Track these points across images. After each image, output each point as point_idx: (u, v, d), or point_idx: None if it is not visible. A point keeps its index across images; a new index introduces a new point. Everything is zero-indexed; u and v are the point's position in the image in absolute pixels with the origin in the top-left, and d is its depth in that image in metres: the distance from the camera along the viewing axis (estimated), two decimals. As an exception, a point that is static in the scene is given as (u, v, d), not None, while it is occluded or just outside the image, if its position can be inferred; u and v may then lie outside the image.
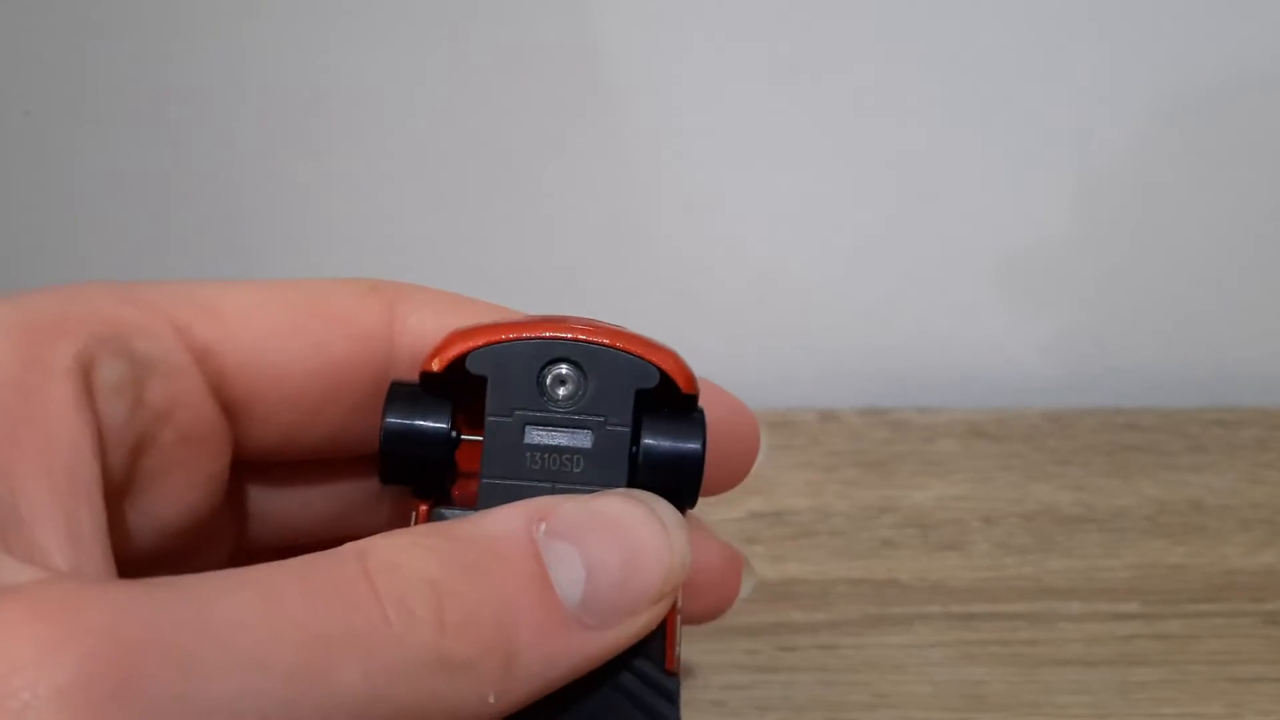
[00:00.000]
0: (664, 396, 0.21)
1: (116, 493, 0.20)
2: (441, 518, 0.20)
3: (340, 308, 0.22)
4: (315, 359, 0.21)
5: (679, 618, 0.21)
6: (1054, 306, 0.43)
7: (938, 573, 0.35)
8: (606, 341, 0.21)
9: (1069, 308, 0.43)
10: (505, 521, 0.18)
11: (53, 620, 0.15)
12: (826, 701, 0.30)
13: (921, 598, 0.34)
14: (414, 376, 0.21)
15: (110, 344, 0.19)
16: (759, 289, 0.43)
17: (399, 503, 0.23)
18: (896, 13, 0.39)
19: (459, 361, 0.20)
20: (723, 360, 0.44)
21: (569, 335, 0.20)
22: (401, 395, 0.21)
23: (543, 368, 0.20)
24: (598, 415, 0.20)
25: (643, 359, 0.21)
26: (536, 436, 0.20)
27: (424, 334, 0.22)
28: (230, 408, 0.21)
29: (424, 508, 0.21)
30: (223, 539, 0.23)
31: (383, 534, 0.18)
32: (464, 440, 0.21)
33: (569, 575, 0.18)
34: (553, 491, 0.20)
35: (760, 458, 0.25)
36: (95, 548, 0.18)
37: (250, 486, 0.24)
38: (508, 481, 0.20)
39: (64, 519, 0.17)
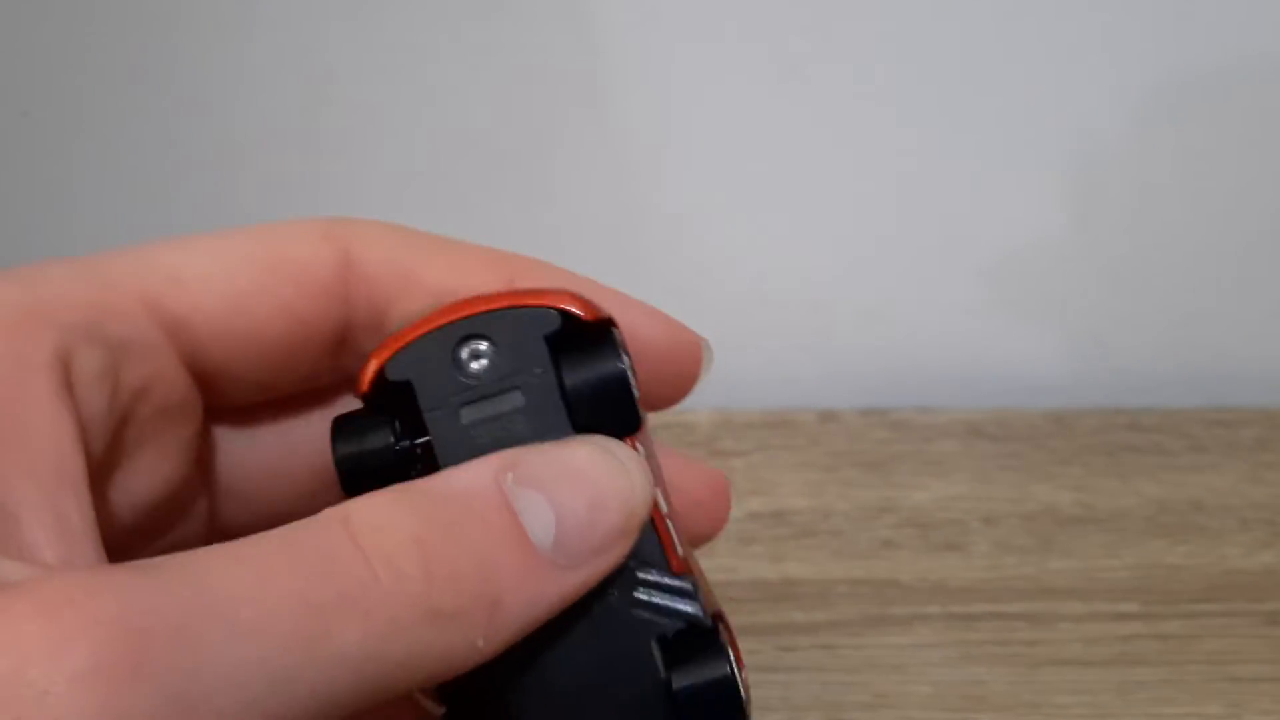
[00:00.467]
0: (577, 334, 0.21)
1: (98, 477, 0.20)
2: None
3: (299, 264, 0.22)
4: (281, 319, 0.21)
5: (669, 522, 0.21)
6: (1054, 307, 0.43)
7: (938, 573, 0.35)
8: (500, 305, 0.21)
9: (1069, 308, 0.44)
10: (475, 475, 0.19)
11: (61, 612, 0.15)
12: (826, 701, 0.30)
13: (921, 598, 0.34)
14: (368, 339, 0.22)
15: (85, 332, 0.19)
16: (759, 289, 0.43)
17: None
18: (896, 14, 0.39)
19: (381, 378, 0.21)
20: (723, 360, 0.44)
21: (463, 314, 0.21)
22: (343, 427, 0.21)
23: (453, 352, 0.21)
24: (520, 373, 0.21)
25: (537, 307, 0.21)
26: (473, 414, 0.21)
27: (379, 276, 0.22)
28: (201, 376, 0.21)
29: None
30: (196, 513, 0.23)
31: (359, 498, 0.18)
32: (418, 443, 0.21)
33: (540, 521, 0.19)
34: None
35: (704, 372, 0.25)
36: (85, 541, 0.18)
37: (219, 459, 0.24)
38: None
39: (52, 515, 0.18)
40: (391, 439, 0.21)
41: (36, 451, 0.18)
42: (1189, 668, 0.32)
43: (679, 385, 0.25)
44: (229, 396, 0.22)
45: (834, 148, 0.41)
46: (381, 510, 0.18)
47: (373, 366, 0.21)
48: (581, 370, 0.21)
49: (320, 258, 0.22)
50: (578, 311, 0.21)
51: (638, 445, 0.21)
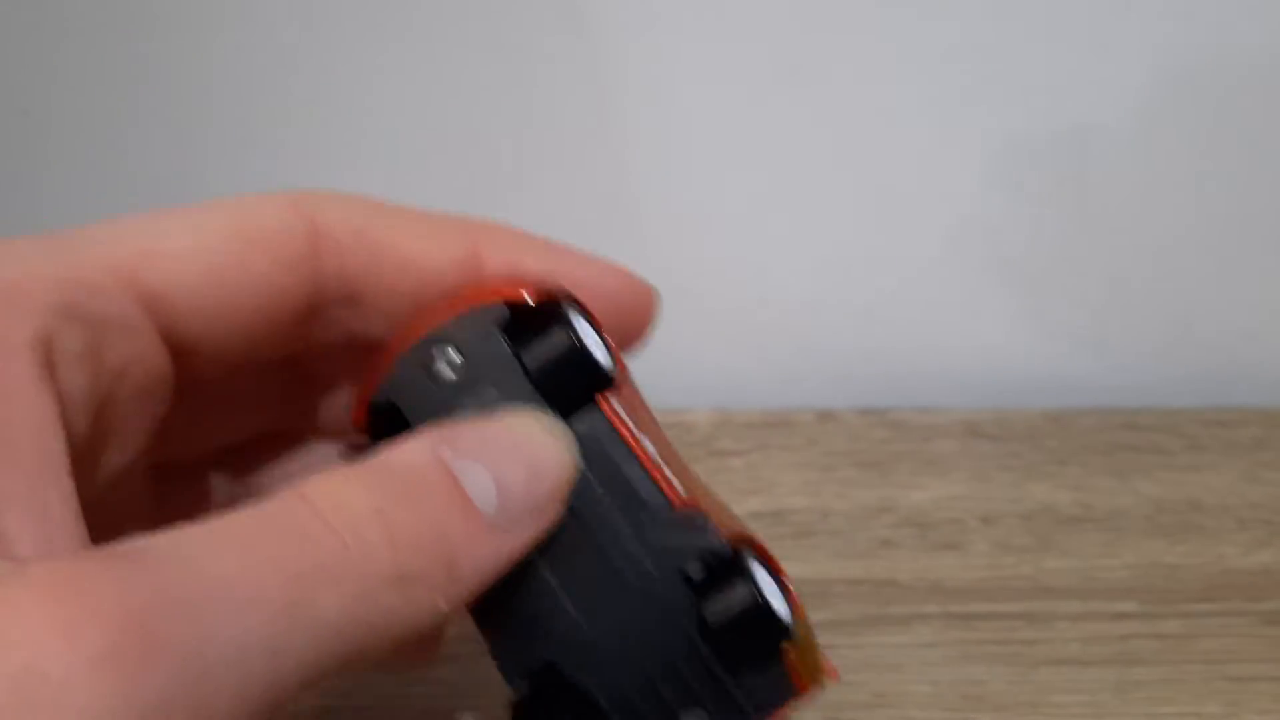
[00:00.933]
0: (528, 317, 0.22)
1: (78, 458, 0.20)
2: None
3: (271, 235, 0.22)
4: (256, 291, 0.22)
5: (662, 465, 0.22)
6: (1052, 307, 0.44)
7: (936, 572, 0.35)
8: (454, 311, 0.22)
9: (1067, 308, 0.44)
10: (415, 452, 0.20)
11: (66, 601, 0.15)
12: (825, 701, 0.30)
13: (920, 597, 0.34)
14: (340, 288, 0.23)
15: (65, 310, 0.19)
16: (758, 289, 0.43)
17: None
18: (893, 15, 0.39)
19: (372, 411, 0.22)
20: (723, 360, 0.44)
21: (424, 330, 0.22)
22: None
23: (426, 368, 0.22)
24: (488, 368, 0.22)
25: (486, 304, 0.22)
26: (460, 414, 0.22)
27: (348, 246, 0.23)
28: (178, 350, 0.22)
29: None
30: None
31: (313, 477, 0.19)
32: None
33: (481, 488, 0.20)
34: None
35: (655, 318, 0.26)
36: (65, 528, 0.18)
37: (177, 410, 0.24)
38: None
39: (32, 503, 0.18)
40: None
41: (17, 438, 0.18)
42: (1187, 667, 0.32)
43: (636, 330, 0.25)
44: (200, 370, 0.22)
45: (833, 148, 0.41)
46: (338, 487, 0.19)
47: (361, 403, 0.23)
48: (536, 352, 0.22)
49: (291, 229, 0.22)
50: (525, 297, 0.22)
51: (612, 400, 0.22)
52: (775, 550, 0.36)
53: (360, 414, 0.23)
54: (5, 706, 0.15)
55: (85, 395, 0.20)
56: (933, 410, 0.41)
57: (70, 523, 0.18)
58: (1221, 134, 0.41)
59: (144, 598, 0.16)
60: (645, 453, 0.22)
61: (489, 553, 0.20)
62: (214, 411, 0.25)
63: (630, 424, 0.22)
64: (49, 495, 0.18)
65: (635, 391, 0.23)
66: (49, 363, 0.19)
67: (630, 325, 0.25)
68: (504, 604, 0.22)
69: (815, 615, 0.33)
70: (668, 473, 0.22)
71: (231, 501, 0.26)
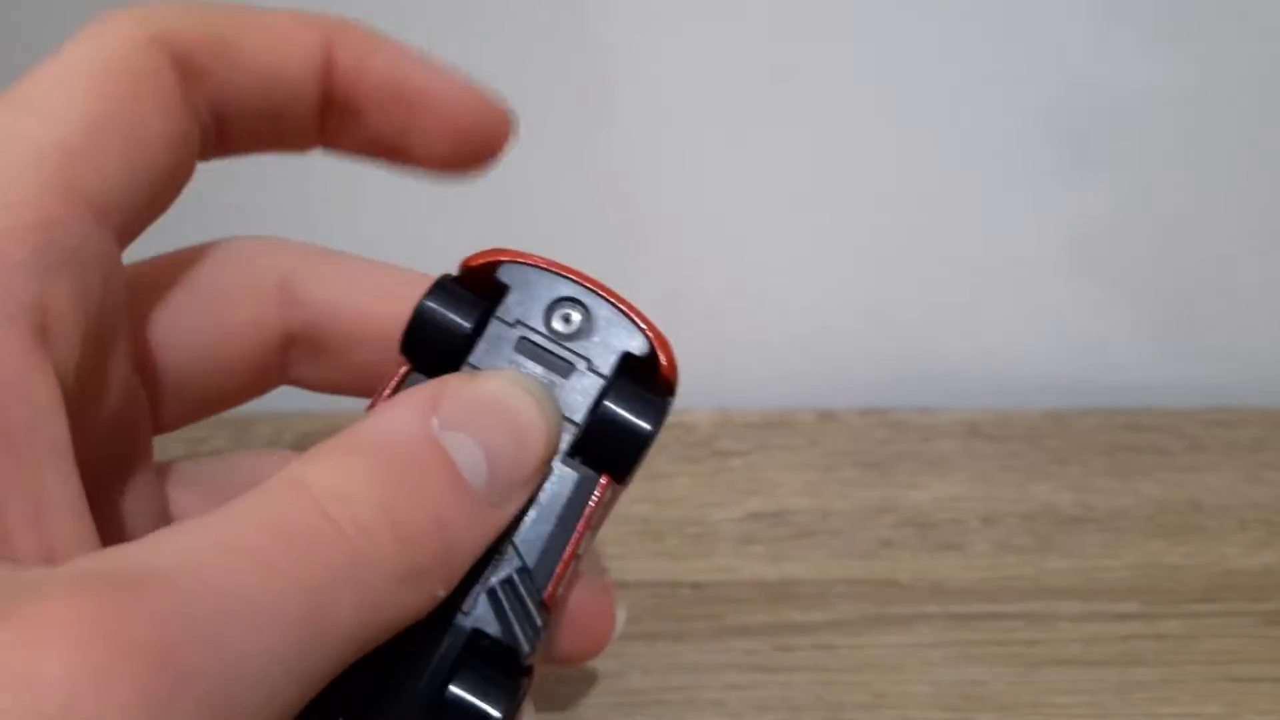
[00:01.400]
0: (645, 371, 0.23)
1: (74, 417, 0.19)
2: (413, 383, 0.22)
3: (155, 86, 0.21)
4: (166, 151, 0.21)
5: (576, 562, 0.22)
6: (1053, 307, 0.44)
7: (937, 573, 0.35)
8: (616, 302, 0.23)
9: (1068, 308, 0.44)
10: (405, 424, 0.20)
11: (95, 644, 0.15)
12: (825, 701, 0.30)
13: (921, 598, 0.34)
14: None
15: (47, 259, 0.18)
16: (758, 289, 0.43)
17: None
18: (895, 15, 0.39)
19: (490, 268, 0.23)
20: (723, 360, 0.44)
21: (586, 283, 0.23)
22: (445, 288, 0.23)
23: (556, 300, 0.23)
24: (583, 358, 0.23)
25: (642, 330, 0.23)
26: (523, 353, 0.23)
27: (204, 70, 0.21)
28: (123, 239, 0.21)
29: (404, 369, 0.22)
30: (142, 416, 0.23)
31: (306, 459, 0.19)
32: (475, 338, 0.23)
33: (471, 462, 0.20)
34: None
35: (506, 144, 0.26)
36: (66, 519, 0.18)
37: (157, 358, 0.23)
38: None
39: (30, 495, 0.17)
40: (470, 326, 0.22)
41: (12, 426, 0.17)
42: (1188, 667, 0.32)
43: (486, 150, 0.25)
44: (125, 246, 0.21)
45: (834, 148, 0.41)
46: (339, 477, 0.18)
47: (491, 257, 0.23)
48: (624, 405, 0.22)
49: (161, 66, 0.21)
50: (661, 358, 0.23)
51: (607, 487, 0.22)
52: (776, 550, 0.36)
53: (478, 261, 0.23)
54: None
55: (78, 352, 0.19)
56: (934, 410, 0.41)
57: (69, 512, 0.18)
58: (1221, 133, 0.41)
59: (172, 634, 0.15)
60: (578, 541, 0.22)
61: (480, 532, 0.20)
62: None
63: (595, 514, 0.22)
64: (46, 481, 0.18)
65: (619, 492, 0.23)
66: (42, 329, 0.18)
67: (479, 146, 0.25)
68: None
69: (816, 615, 0.33)
70: (569, 571, 0.22)
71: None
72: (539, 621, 0.21)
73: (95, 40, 0.20)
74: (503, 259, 0.23)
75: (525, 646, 0.21)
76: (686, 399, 0.41)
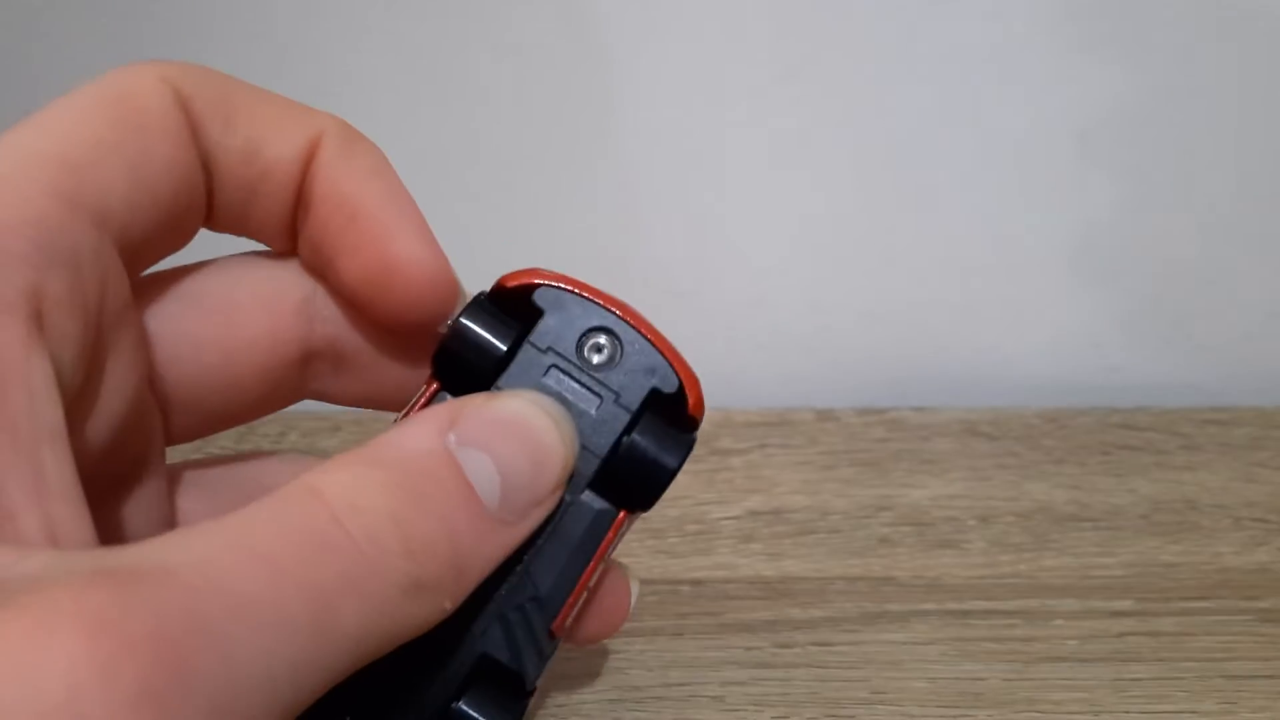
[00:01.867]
0: (672, 407, 0.23)
1: (74, 411, 0.19)
2: (442, 399, 0.22)
3: (160, 117, 0.21)
4: (169, 176, 0.21)
5: (585, 594, 0.23)
6: (1050, 307, 0.44)
7: (934, 570, 0.35)
8: (649, 336, 0.23)
9: (1065, 308, 0.44)
10: (422, 439, 0.20)
11: (101, 635, 0.15)
12: (824, 697, 0.31)
13: (918, 595, 0.34)
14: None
15: (47, 254, 0.19)
16: (758, 289, 0.44)
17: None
18: (893, 16, 0.39)
19: (526, 289, 0.23)
20: (723, 360, 0.44)
21: (621, 313, 0.23)
22: (481, 308, 0.23)
23: (590, 329, 0.23)
24: (611, 390, 0.23)
25: (672, 366, 0.23)
26: (553, 380, 0.23)
27: (204, 120, 0.22)
28: (127, 262, 0.21)
29: (433, 387, 0.23)
30: (153, 427, 0.23)
31: (323, 469, 0.19)
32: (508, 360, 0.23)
33: (486, 479, 0.20)
34: None
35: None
36: (65, 502, 0.18)
37: (167, 371, 0.24)
38: None
39: (30, 475, 0.17)
40: (505, 349, 0.22)
41: (9, 408, 0.17)
42: (1183, 665, 0.32)
43: (433, 314, 0.24)
44: (137, 269, 0.22)
45: (833, 149, 0.41)
46: (354, 488, 0.19)
47: (527, 279, 0.23)
48: (650, 441, 0.22)
49: (167, 101, 0.21)
50: (689, 396, 0.23)
51: (625, 521, 0.22)
52: (775, 548, 0.36)
53: (515, 282, 0.23)
54: None
55: (77, 344, 0.19)
56: (931, 410, 0.41)
57: (67, 492, 0.18)
58: (1219, 134, 0.41)
59: (177, 629, 0.15)
60: (590, 573, 0.22)
61: (492, 550, 0.20)
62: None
63: (612, 548, 0.23)
64: (45, 464, 0.18)
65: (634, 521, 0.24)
66: (38, 314, 0.18)
67: (410, 295, 0.23)
68: None
69: (815, 612, 0.33)
70: (578, 603, 0.22)
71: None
72: (546, 650, 0.22)
73: (110, 77, 0.21)
74: (539, 281, 0.23)
75: (531, 672, 0.22)
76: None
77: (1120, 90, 0.40)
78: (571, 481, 0.22)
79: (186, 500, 0.25)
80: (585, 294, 0.23)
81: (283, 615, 0.17)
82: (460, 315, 0.22)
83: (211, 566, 0.16)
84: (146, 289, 0.23)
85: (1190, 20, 0.39)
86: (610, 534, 0.22)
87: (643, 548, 0.35)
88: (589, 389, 0.23)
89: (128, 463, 0.23)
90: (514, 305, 0.23)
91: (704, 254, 0.43)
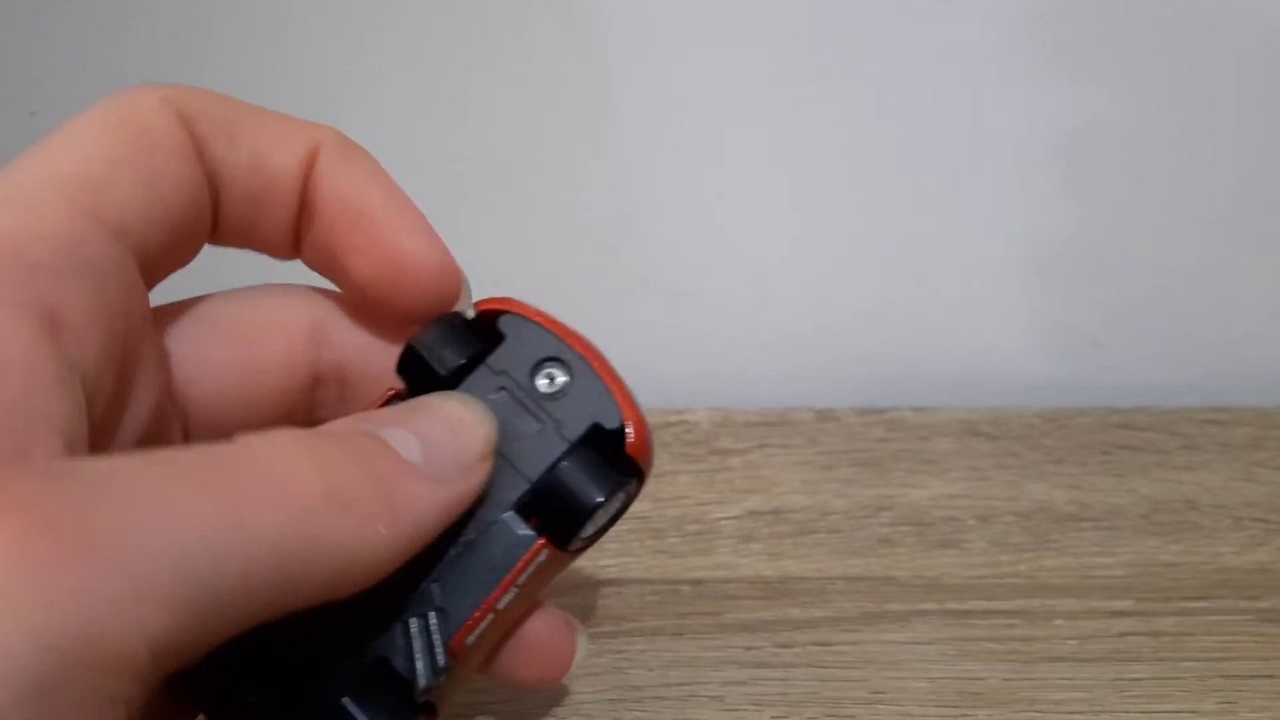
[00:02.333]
0: (612, 446, 0.23)
1: (106, 418, 0.20)
2: (395, 401, 0.23)
3: (167, 137, 0.22)
4: (178, 192, 0.22)
5: (490, 617, 0.23)
6: (1050, 307, 0.44)
7: (934, 570, 0.35)
8: (602, 375, 0.23)
9: (1065, 308, 0.44)
10: (346, 424, 0.21)
11: (12, 513, 0.16)
12: (824, 697, 0.31)
13: (918, 595, 0.34)
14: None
15: (68, 268, 0.19)
16: (758, 289, 0.44)
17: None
18: (891, 17, 0.39)
19: (494, 316, 0.24)
20: (723, 360, 0.44)
21: (577, 347, 0.24)
22: (448, 323, 0.24)
23: (544, 359, 0.24)
24: (554, 419, 0.23)
25: (618, 405, 0.23)
26: (499, 399, 0.23)
27: (208, 139, 0.23)
28: (144, 272, 0.22)
29: (390, 391, 0.24)
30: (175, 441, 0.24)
31: (261, 433, 0.20)
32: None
33: (409, 448, 0.21)
34: None
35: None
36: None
37: (189, 392, 0.24)
38: None
39: (7, 461, 0.18)
40: (453, 366, 0.23)
41: (4, 398, 0.18)
42: (1183, 665, 0.32)
43: (427, 299, 0.25)
44: (151, 284, 0.23)
45: (834, 148, 0.41)
46: (281, 440, 0.20)
47: (497, 306, 0.24)
48: (577, 471, 0.23)
49: (171, 120, 0.22)
50: (630, 436, 0.23)
51: (541, 554, 0.23)
52: (775, 548, 0.36)
53: (486, 306, 0.24)
54: None
55: (98, 352, 0.20)
56: (931, 410, 0.41)
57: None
58: (1218, 134, 0.41)
59: (79, 500, 0.16)
60: (497, 596, 0.23)
61: (425, 493, 0.21)
62: None
63: (524, 574, 0.23)
64: (33, 459, 0.18)
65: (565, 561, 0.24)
66: (54, 322, 0.19)
67: (419, 292, 0.24)
68: None
69: (815, 612, 0.33)
70: (481, 628, 0.23)
71: None
72: (440, 663, 0.22)
73: (115, 100, 0.22)
74: (506, 310, 0.24)
75: (422, 682, 0.22)
76: (686, 398, 0.42)
77: (1120, 90, 0.40)
78: (496, 500, 0.23)
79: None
80: (547, 326, 0.24)
81: (192, 512, 0.17)
82: (421, 330, 0.23)
83: (120, 468, 0.17)
84: (163, 315, 0.24)
85: (1191, 20, 0.39)
86: (525, 559, 0.23)
87: (643, 548, 0.35)
88: (532, 414, 0.23)
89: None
90: (483, 329, 0.24)
91: (704, 254, 0.43)
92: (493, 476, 0.22)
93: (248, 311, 0.25)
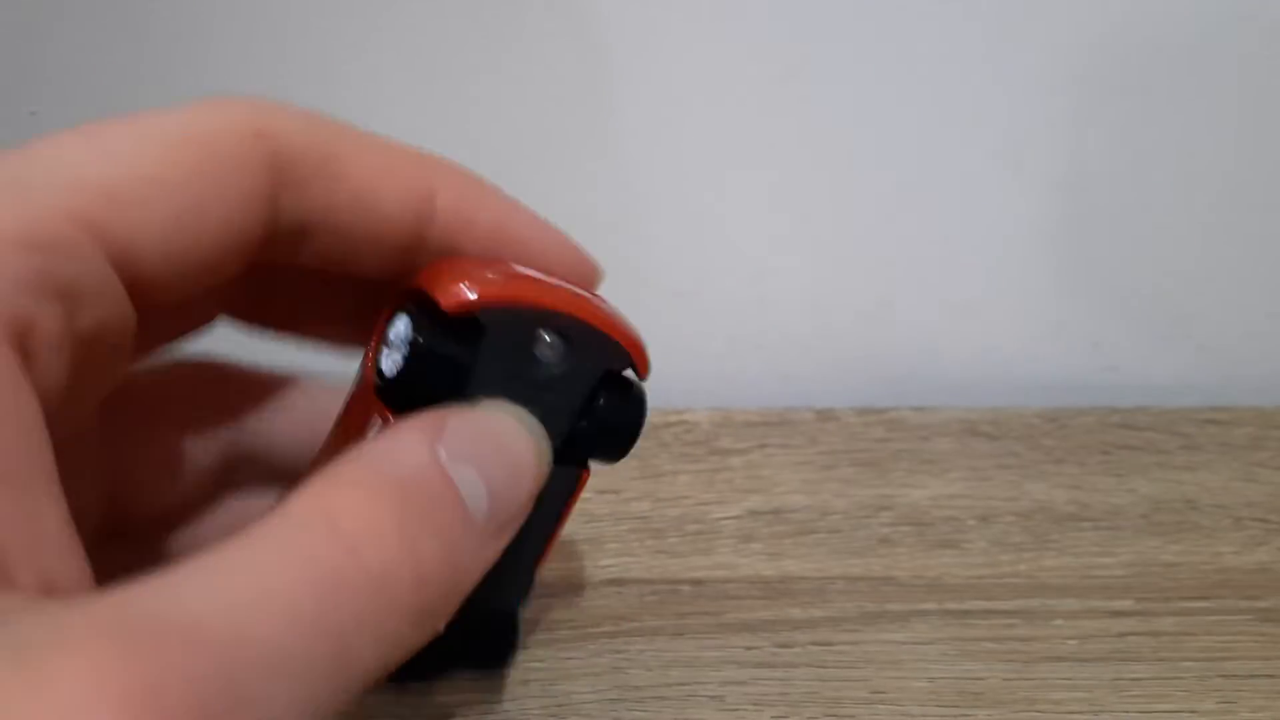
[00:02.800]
0: (622, 376, 0.24)
1: (62, 450, 0.18)
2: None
3: (233, 168, 0.20)
4: (219, 232, 0.20)
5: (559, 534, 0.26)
6: (1050, 306, 0.44)
7: (934, 570, 0.35)
8: (591, 321, 0.23)
9: (1065, 308, 0.44)
10: (416, 453, 0.20)
11: (133, 703, 0.14)
12: (824, 697, 0.31)
13: (918, 595, 0.34)
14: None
15: (42, 285, 0.18)
16: (758, 289, 0.44)
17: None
18: (889, 17, 0.39)
19: (472, 313, 0.22)
20: (723, 360, 0.44)
21: (560, 309, 0.23)
22: (432, 334, 0.22)
23: (534, 332, 0.23)
24: (566, 377, 0.23)
25: (618, 342, 0.24)
26: (510, 386, 0.23)
27: (309, 180, 0.21)
28: (138, 299, 0.20)
29: (391, 419, 0.22)
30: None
31: (333, 487, 0.19)
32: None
33: (474, 495, 0.20)
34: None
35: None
36: (61, 550, 0.17)
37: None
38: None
39: (25, 522, 0.17)
40: (466, 365, 0.22)
41: (4, 450, 0.17)
42: (1183, 664, 0.32)
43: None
44: (150, 308, 0.21)
45: (832, 149, 0.41)
46: (367, 515, 0.18)
47: (468, 307, 0.22)
48: (612, 407, 0.24)
49: (253, 165, 0.21)
50: (639, 365, 0.24)
51: (584, 481, 0.25)
52: (775, 548, 0.36)
53: (458, 305, 0.22)
54: None
55: (63, 377, 0.18)
56: (931, 409, 0.41)
57: (65, 540, 0.17)
58: (1217, 134, 0.41)
59: (210, 691, 0.15)
60: (562, 525, 0.25)
61: (481, 564, 0.20)
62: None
63: (573, 506, 0.25)
64: (42, 509, 0.17)
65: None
66: (26, 351, 0.17)
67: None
68: None
69: (815, 612, 0.33)
70: (550, 551, 0.25)
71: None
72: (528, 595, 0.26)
73: (197, 113, 0.20)
74: (481, 305, 0.22)
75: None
76: (686, 398, 0.42)
77: (1120, 89, 0.40)
78: None
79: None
80: (522, 304, 0.23)
81: (308, 663, 0.16)
82: (408, 360, 0.22)
83: (235, 614, 0.16)
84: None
85: (1192, 18, 0.39)
86: (576, 494, 0.25)
87: (643, 548, 0.35)
88: (544, 383, 0.23)
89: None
90: (463, 327, 0.23)
91: (704, 254, 0.43)
92: None
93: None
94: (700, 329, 0.44)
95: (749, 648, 0.32)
